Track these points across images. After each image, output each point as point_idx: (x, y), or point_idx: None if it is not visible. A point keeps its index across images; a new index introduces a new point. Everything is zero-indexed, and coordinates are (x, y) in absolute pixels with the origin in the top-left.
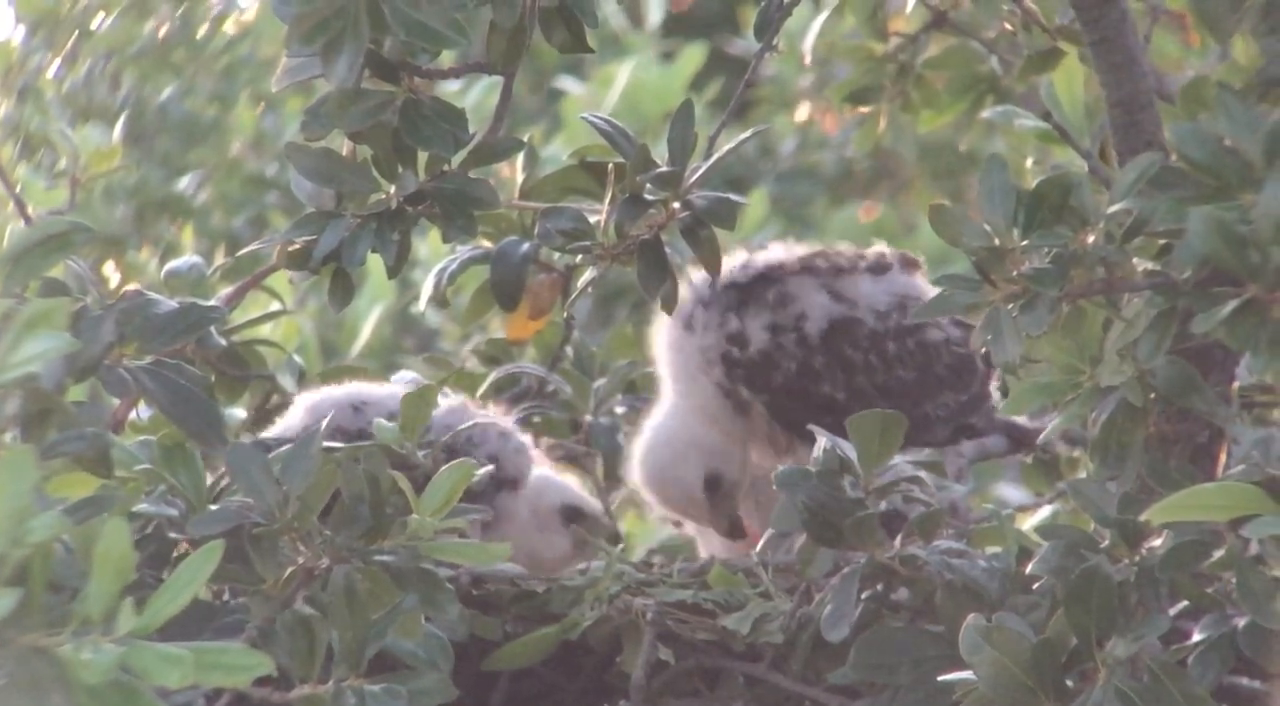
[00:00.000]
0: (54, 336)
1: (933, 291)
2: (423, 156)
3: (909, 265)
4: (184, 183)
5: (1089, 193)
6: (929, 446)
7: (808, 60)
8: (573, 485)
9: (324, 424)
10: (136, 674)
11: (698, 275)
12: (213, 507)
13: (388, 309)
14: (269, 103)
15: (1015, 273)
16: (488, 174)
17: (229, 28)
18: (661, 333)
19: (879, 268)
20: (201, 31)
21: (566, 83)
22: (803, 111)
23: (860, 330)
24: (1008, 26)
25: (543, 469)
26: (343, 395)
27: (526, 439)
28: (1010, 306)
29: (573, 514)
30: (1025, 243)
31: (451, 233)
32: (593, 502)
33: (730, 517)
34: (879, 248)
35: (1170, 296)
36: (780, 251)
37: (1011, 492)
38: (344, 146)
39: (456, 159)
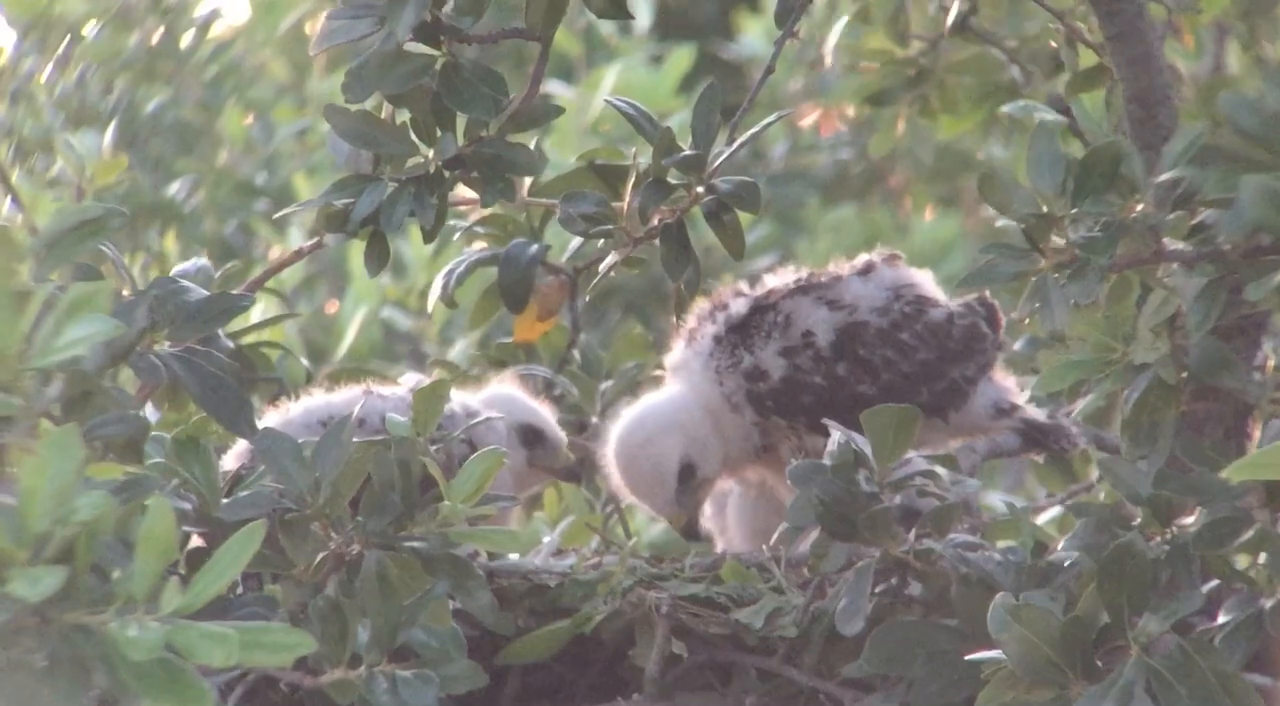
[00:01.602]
0: (98, 320)
1: (922, 277)
2: (461, 121)
3: (891, 259)
4: (175, 188)
5: (1139, 161)
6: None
7: (828, 63)
8: (542, 410)
9: (355, 411)
10: (181, 652)
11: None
12: (237, 495)
13: (373, 311)
14: (257, 111)
15: (1064, 241)
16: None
17: (217, 34)
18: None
19: (865, 269)
20: (185, 40)
21: (555, 87)
22: (810, 118)
23: (867, 331)
24: (1052, 44)
25: (512, 388)
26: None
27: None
28: (1058, 275)
29: (530, 434)
30: (1075, 210)
31: (490, 196)
32: (556, 430)
33: (691, 515)
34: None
35: (1220, 265)
36: (769, 280)
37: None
38: (382, 110)
39: (495, 124)
